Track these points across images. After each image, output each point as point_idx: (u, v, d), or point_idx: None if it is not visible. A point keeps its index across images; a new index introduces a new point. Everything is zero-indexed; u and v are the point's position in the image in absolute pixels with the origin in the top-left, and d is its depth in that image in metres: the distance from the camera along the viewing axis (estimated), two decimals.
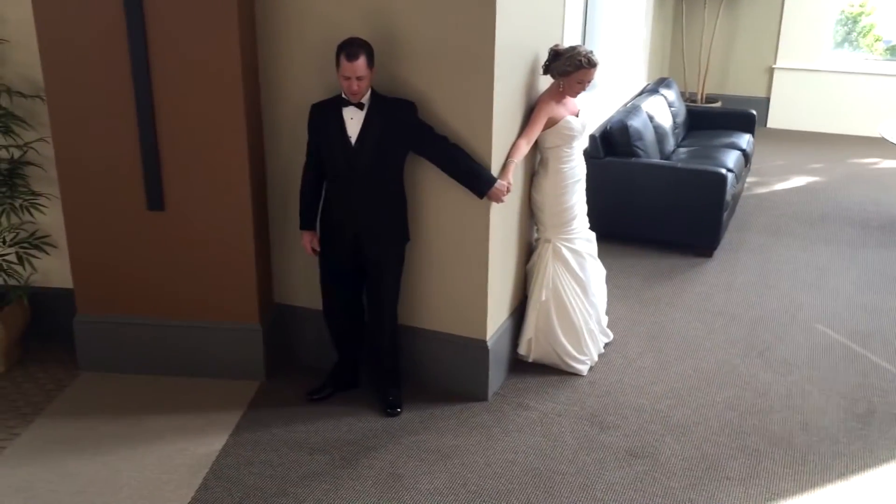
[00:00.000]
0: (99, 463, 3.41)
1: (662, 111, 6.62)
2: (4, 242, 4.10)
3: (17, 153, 4.05)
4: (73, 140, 3.74)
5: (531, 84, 3.90)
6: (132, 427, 3.65)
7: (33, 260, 4.10)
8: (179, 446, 3.51)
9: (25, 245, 4.08)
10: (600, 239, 4.33)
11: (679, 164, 5.80)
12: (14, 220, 4.06)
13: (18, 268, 4.10)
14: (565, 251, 4.05)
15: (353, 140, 3.44)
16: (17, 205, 4.01)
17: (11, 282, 4.15)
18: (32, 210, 4.03)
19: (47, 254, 4.15)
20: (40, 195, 4.07)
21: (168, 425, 3.66)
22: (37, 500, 3.18)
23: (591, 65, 3.80)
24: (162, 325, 3.97)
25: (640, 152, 5.75)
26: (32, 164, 4.05)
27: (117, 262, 3.90)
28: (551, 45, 3.90)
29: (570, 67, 3.78)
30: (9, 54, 3.94)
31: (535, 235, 4.22)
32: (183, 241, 3.84)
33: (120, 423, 3.68)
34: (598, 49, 6.31)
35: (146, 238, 3.85)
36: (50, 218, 4.10)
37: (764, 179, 7.67)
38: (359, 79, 3.31)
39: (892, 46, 9.85)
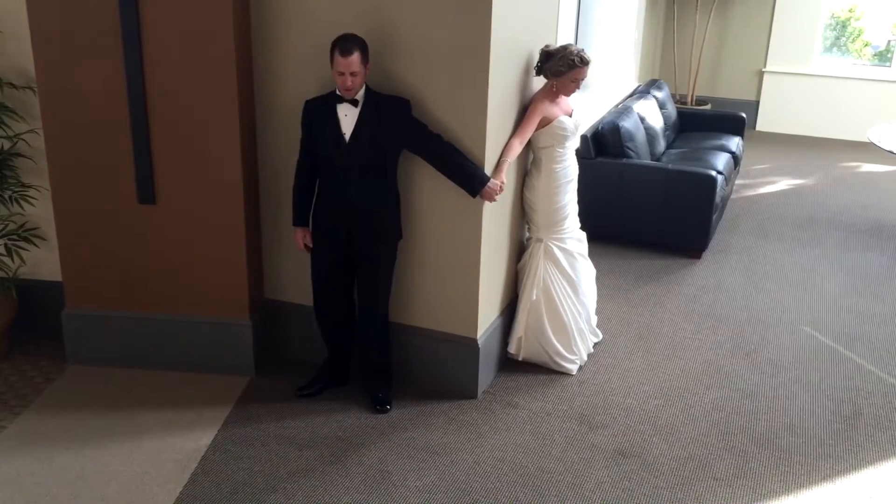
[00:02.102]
0: (87, 457, 3.39)
1: (653, 113, 6.65)
2: None
3: (7, 144, 4.02)
4: (63, 132, 3.72)
5: (525, 83, 3.91)
6: (120, 421, 3.64)
7: (22, 252, 4.07)
8: (168, 441, 3.51)
9: (14, 237, 4.06)
10: (590, 239, 4.34)
11: (669, 166, 5.83)
12: (3, 211, 4.03)
13: (7, 260, 4.07)
14: (556, 250, 4.06)
15: (347, 137, 3.44)
16: (6, 196, 3.99)
17: None
18: (22, 202, 4.01)
19: (36, 246, 4.12)
20: (30, 187, 4.05)
21: (157, 420, 3.65)
22: (24, 493, 3.17)
23: (584, 63, 3.81)
24: (151, 319, 3.96)
25: (631, 153, 5.77)
26: (23, 155, 4.03)
27: (107, 256, 3.89)
28: (544, 45, 3.90)
29: (563, 67, 3.79)
30: (0, 45, 3.91)
31: (527, 234, 4.23)
32: (173, 236, 3.83)
33: (108, 417, 3.67)
34: (591, 50, 6.32)
35: (136, 232, 3.83)
36: (39, 210, 4.07)
37: (752, 182, 7.72)
38: (352, 74, 3.30)
39: (881, 52, 9.93)
